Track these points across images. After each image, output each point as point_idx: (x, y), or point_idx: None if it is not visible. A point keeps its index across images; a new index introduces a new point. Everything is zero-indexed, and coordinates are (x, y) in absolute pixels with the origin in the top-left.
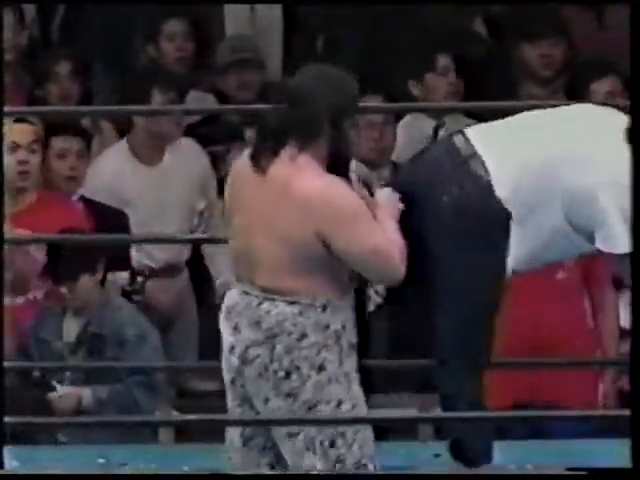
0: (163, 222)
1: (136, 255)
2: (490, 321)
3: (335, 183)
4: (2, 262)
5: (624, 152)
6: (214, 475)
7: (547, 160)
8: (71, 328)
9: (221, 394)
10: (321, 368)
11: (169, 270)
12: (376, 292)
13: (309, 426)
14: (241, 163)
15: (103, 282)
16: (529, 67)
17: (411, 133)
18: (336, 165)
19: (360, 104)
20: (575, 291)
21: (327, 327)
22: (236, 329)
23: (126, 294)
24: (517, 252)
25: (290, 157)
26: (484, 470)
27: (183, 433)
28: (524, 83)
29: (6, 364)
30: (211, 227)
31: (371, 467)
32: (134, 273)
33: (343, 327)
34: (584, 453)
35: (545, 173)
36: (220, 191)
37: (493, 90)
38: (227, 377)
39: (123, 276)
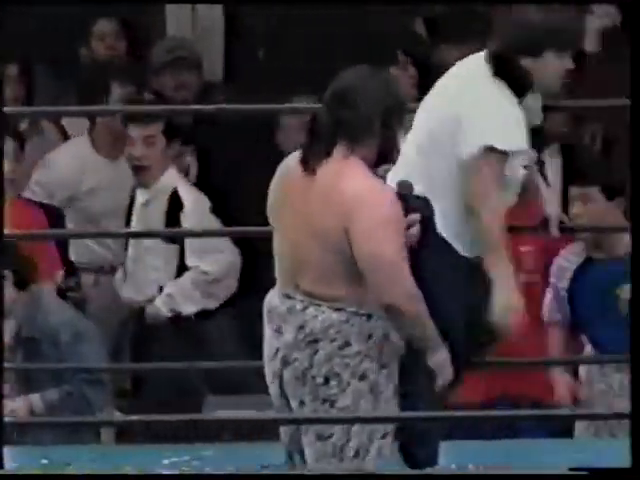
0: (117, 217)
1: (74, 252)
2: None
3: (382, 187)
4: (2, 262)
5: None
6: (214, 475)
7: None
8: (5, 332)
9: None
10: (362, 377)
11: (110, 269)
12: None
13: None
14: (290, 164)
15: (26, 284)
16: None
17: None
18: (380, 164)
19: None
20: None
21: (370, 336)
22: (278, 332)
23: (61, 292)
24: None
25: (341, 157)
26: (484, 470)
27: (124, 433)
28: None
29: (6, 365)
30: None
31: None
32: (71, 271)
33: (385, 336)
34: (530, 452)
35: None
36: None
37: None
38: (269, 378)
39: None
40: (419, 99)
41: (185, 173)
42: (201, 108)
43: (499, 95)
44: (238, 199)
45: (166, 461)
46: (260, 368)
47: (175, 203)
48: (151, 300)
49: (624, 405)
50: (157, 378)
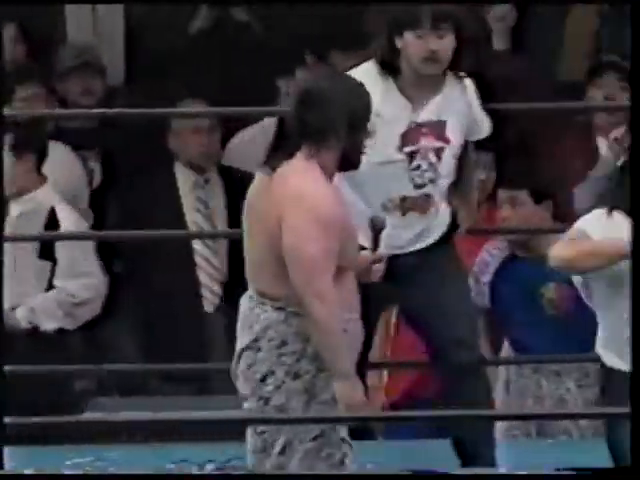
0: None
1: None
2: None
3: (324, 190)
4: (1, 262)
5: None
6: (214, 475)
7: None
8: None
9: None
10: (297, 376)
11: None
12: None
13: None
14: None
15: None
16: None
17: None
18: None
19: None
20: None
21: (309, 338)
22: (241, 331)
23: None
24: None
25: (302, 158)
26: (484, 470)
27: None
28: None
29: (7, 368)
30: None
31: None
32: None
33: None
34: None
35: None
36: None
37: None
38: (233, 377)
39: None
40: None
41: (90, 178)
42: (104, 112)
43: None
44: (142, 201)
45: (69, 462)
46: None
47: (52, 222)
48: (14, 309)
49: (538, 407)
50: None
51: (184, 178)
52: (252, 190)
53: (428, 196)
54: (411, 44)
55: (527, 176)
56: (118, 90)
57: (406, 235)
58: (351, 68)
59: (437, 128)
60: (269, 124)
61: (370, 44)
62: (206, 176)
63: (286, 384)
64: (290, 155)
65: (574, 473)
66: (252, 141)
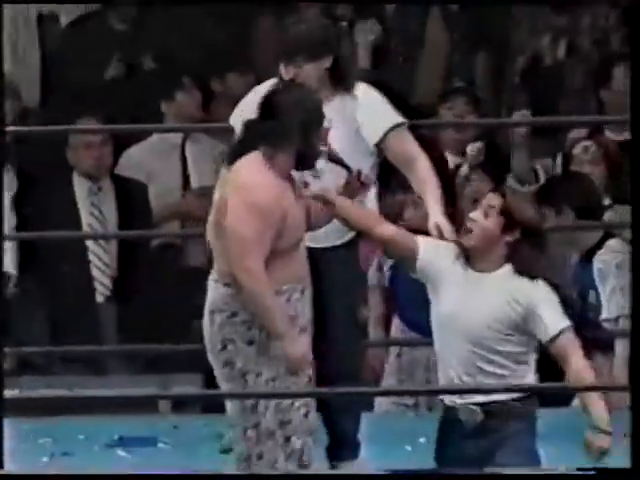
0: None
1: None
2: None
3: (266, 183)
4: (2, 261)
5: None
6: (213, 475)
7: None
8: None
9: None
10: (251, 342)
11: None
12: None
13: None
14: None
15: None
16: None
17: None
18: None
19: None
20: None
21: None
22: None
23: None
24: None
25: (255, 156)
26: (484, 470)
27: None
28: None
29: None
30: None
31: (294, 440)
32: None
33: None
34: None
35: None
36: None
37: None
38: None
39: None
40: (204, 121)
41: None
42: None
43: None
44: (48, 205)
45: None
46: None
47: None
48: None
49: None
50: None
51: (80, 186)
52: (217, 184)
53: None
54: (284, 73)
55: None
56: (32, 110)
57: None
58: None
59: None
60: (156, 140)
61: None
62: (99, 184)
63: (244, 350)
64: (245, 154)
65: (574, 473)
66: (141, 154)
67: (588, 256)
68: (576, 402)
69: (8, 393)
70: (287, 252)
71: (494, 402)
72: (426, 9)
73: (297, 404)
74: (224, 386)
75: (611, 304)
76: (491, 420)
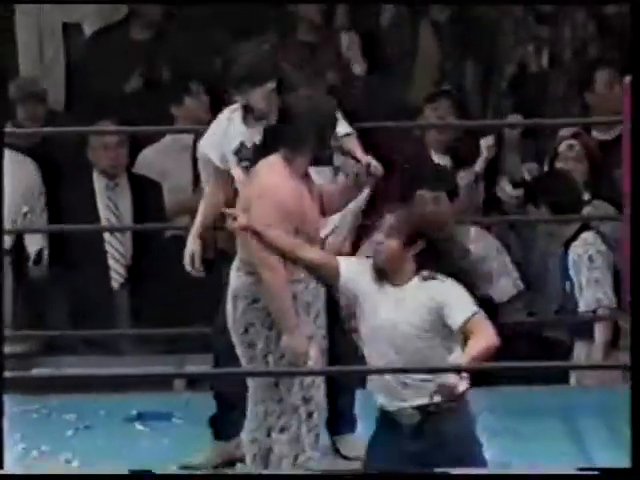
0: None
1: None
2: None
3: (284, 184)
4: (2, 260)
5: None
6: (213, 475)
7: None
8: None
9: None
10: (271, 327)
11: None
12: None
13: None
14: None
15: None
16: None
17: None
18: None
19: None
20: None
21: None
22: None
23: None
24: None
25: (275, 159)
26: (484, 470)
27: None
28: None
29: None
30: (31, 222)
31: (303, 409)
32: None
33: (294, 297)
34: None
35: None
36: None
37: None
38: None
39: None
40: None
41: None
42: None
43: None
44: (70, 200)
45: (16, 409)
46: None
47: None
48: None
49: None
50: None
51: (98, 182)
52: (240, 183)
53: None
54: (239, 99)
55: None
56: (58, 114)
57: None
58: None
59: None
60: (169, 141)
61: None
62: (116, 181)
63: (265, 333)
64: (266, 156)
65: (575, 473)
66: (155, 154)
67: (566, 248)
68: (573, 380)
69: (35, 371)
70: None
71: (431, 405)
72: (418, 19)
73: (317, 382)
74: (247, 365)
75: (587, 295)
76: (428, 423)
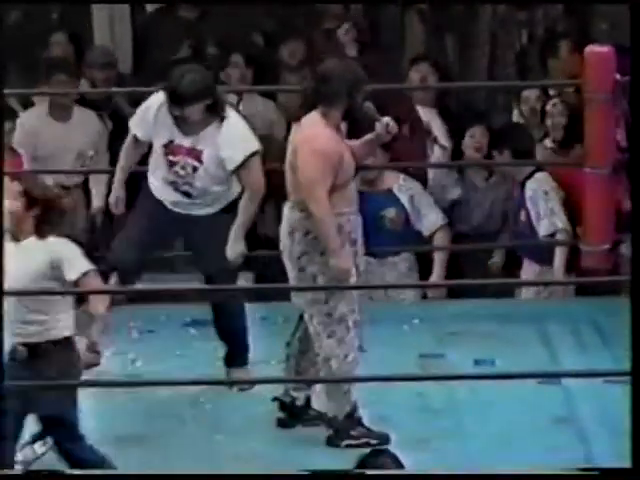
0: (64, 161)
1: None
2: None
3: (323, 134)
4: (2, 259)
5: None
6: (212, 475)
7: None
8: None
9: None
10: (322, 254)
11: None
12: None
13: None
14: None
15: None
16: (284, 60)
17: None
18: (353, 121)
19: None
20: None
21: None
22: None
23: None
24: None
25: (317, 114)
26: (483, 470)
27: None
28: (283, 72)
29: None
30: (94, 165)
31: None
32: None
33: (339, 228)
34: None
35: None
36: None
37: (269, 78)
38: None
39: None
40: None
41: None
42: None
43: None
44: None
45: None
46: None
47: None
48: None
49: None
50: None
51: None
52: (291, 133)
53: (187, 194)
54: (178, 111)
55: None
56: (126, 76)
57: (174, 196)
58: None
59: (194, 152)
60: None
61: None
62: None
63: (316, 259)
64: (309, 112)
65: (574, 473)
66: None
67: (522, 185)
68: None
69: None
70: (343, 186)
71: (37, 343)
72: (405, 8)
73: (356, 295)
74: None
75: (546, 223)
76: (35, 359)
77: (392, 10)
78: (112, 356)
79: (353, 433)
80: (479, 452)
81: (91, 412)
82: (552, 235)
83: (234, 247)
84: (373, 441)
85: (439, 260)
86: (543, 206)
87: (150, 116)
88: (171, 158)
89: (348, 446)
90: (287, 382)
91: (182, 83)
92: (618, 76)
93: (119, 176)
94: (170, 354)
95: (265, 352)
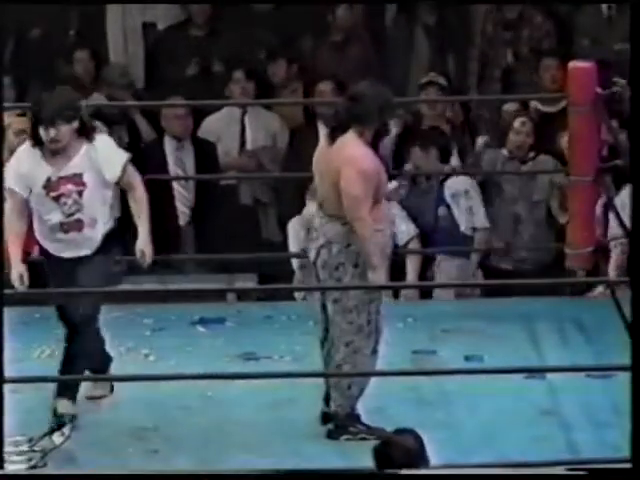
0: None
1: None
2: None
3: (364, 154)
4: (2, 263)
5: None
6: (213, 475)
7: None
8: None
9: None
10: (356, 265)
11: None
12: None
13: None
14: (322, 140)
15: None
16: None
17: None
18: (377, 138)
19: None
20: None
21: None
22: (311, 237)
23: None
24: None
25: (351, 135)
26: (483, 470)
27: None
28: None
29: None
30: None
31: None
32: None
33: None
34: None
35: None
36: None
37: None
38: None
39: None
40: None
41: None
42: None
43: None
44: (148, 157)
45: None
46: None
47: None
48: None
49: None
50: None
51: (169, 144)
52: (318, 152)
53: (79, 220)
54: (48, 132)
55: None
56: (140, 91)
57: (68, 250)
58: None
59: (74, 178)
60: (224, 113)
61: None
62: (182, 143)
63: (351, 270)
64: (343, 132)
65: (575, 473)
66: (214, 122)
67: (442, 184)
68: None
69: (125, 287)
70: (380, 202)
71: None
72: (414, 23)
73: (374, 308)
74: (330, 294)
75: (467, 219)
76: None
77: (399, 23)
78: (127, 352)
79: (352, 429)
80: (468, 442)
81: (109, 404)
82: (474, 230)
83: (146, 250)
84: (370, 437)
85: (412, 265)
86: (464, 204)
87: (23, 167)
88: (53, 194)
89: (348, 440)
90: (289, 377)
91: (48, 103)
92: (599, 89)
93: (14, 250)
94: (180, 350)
95: (269, 349)
